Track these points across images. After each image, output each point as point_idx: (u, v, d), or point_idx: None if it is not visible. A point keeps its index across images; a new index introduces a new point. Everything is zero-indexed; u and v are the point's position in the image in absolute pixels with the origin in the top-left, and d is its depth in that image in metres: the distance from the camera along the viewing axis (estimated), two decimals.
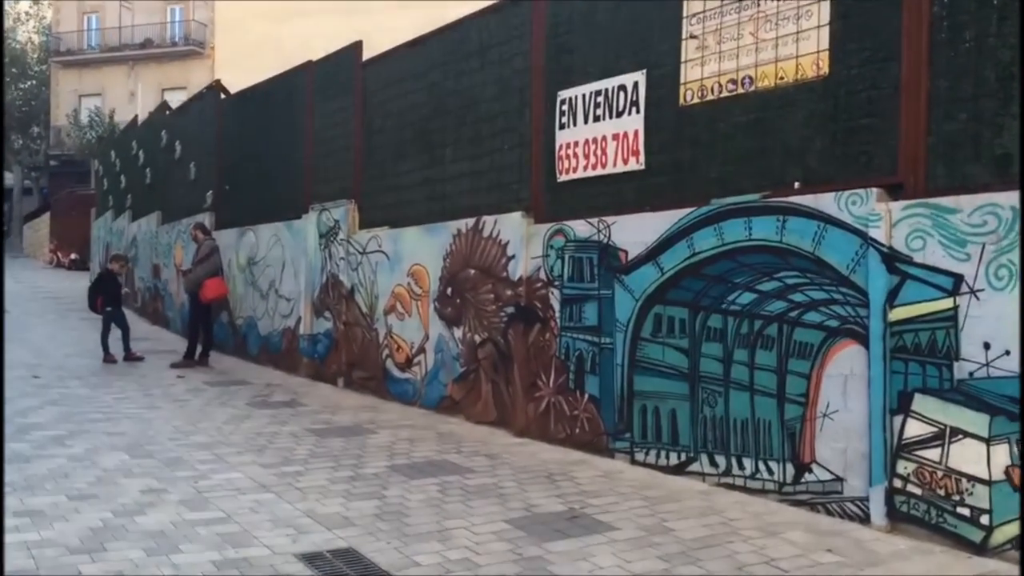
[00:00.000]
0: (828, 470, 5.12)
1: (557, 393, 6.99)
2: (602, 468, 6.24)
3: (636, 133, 6.43)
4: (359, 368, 9.61)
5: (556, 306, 7.02)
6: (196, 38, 39.39)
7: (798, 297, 5.30)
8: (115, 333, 11.84)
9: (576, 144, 6.94)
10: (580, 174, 6.91)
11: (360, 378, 9.58)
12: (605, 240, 6.59)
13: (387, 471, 6.16)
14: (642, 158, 6.39)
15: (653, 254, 6.19)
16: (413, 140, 8.92)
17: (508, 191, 7.69)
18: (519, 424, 7.34)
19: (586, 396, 6.73)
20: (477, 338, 7.87)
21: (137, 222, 18.51)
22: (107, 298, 11.93)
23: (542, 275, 7.18)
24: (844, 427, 5.03)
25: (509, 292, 7.50)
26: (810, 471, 5.22)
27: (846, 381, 5.03)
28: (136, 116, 22.21)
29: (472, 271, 7.95)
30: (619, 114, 6.57)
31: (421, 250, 8.65)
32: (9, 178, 47.67)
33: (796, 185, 5.40)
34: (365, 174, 9.66)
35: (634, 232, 6.36)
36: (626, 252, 6.42)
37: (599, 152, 6.73)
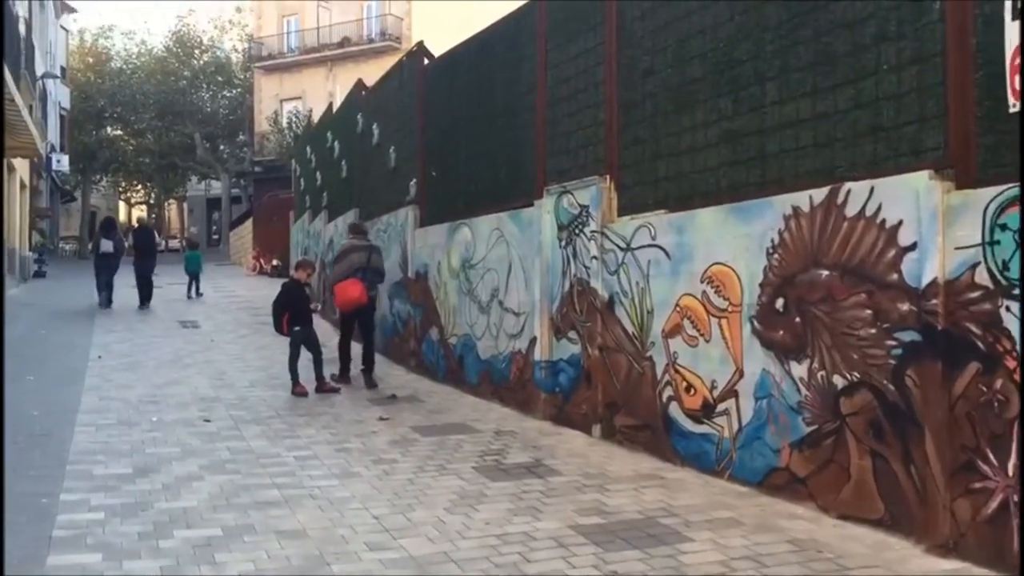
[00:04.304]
0: None
1: None
2: None
3: None
4: (624, 412, 6.80)
5: (1016, 331, 3.95)
6: (392, 32, 38.00)
7: None
8: (306, 355, 9.60)
9: None
10: None
11: (627, 427, 6.77)
12: None
13: None
14: None
15: None
16: (704, 80, 6.03)
17: (896, 138, 4.67)
18: (939, 532, 4.30)
19: None
20: (839, 379, 4.89)
21: (334, 222, 16.48)
22: (294, 315, 9.65)
23: (982, 277, 4.12)
24: None
25: (906, 306, 4.47)
26: None
27: None
28: (331, 104, 20.39)
29: (824, 272, 4.98)
30: None
31: (724, 242, 5.75)
32: (217, 186, 48.30)
33: None
34: (625, 137, 6.84)
35: None
36: None
37: None
